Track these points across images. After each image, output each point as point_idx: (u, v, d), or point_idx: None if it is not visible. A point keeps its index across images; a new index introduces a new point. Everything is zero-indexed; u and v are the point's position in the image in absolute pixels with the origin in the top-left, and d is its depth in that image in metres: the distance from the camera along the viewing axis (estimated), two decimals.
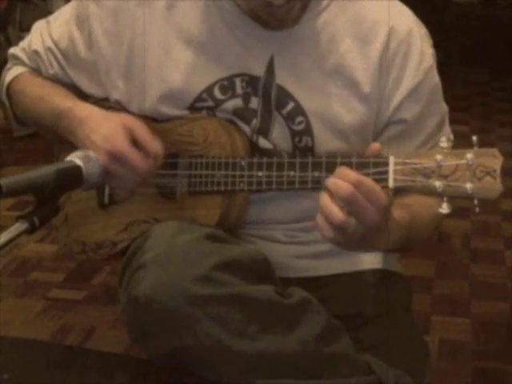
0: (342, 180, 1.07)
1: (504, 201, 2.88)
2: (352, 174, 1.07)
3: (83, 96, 1.44)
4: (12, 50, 1.53)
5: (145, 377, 1.48)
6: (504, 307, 2.24)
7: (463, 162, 1.07)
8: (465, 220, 2.76)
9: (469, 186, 1.06)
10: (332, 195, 1.08)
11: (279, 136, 1.33)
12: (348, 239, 1.10)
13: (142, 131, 1.30)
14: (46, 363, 1.61)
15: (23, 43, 1.52)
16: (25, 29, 3.55)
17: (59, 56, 1.45)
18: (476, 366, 1.98)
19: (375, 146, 1.13)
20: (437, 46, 1.38)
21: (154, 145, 1.29)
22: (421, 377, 1.31)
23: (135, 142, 1.29)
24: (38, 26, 1.49)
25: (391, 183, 1.10)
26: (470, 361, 2.00)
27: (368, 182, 1.08)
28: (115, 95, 1.40)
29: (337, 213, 1.07)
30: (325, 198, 1.09)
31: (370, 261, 1.40)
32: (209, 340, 1.16)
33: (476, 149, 1.07)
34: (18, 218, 1.07)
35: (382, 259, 1.41)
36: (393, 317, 1.35)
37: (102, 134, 1.28)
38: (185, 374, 1.24)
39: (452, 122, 1.40)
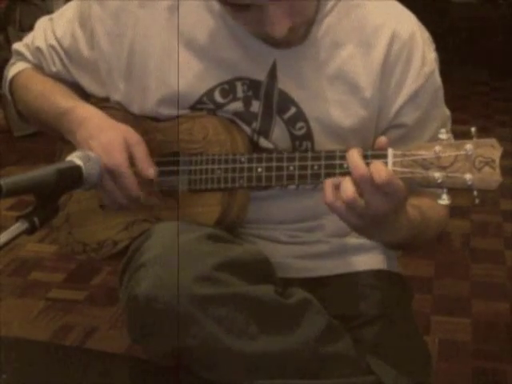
0: (375, 174, 1.07)
1: (504, 201, 2.89)
2: (383, 173, 1.07)
3: (85, 95, 1.44)
4: (16, 46, 1.52)
5: (145, 377, 1.48)
6: (504, 307, 2.24)
7: (462, 152, 1.07)
8: (465, 220, 2.77)
9: (468, 176, 1.06)
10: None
11: (279, 139, 1.32)
12: (355, 219, 1.11)
13: (141, 151, 1.29)
14: (46, 363, 1.61)
15: (27, 39, 1.51)
16: (24, 29, 3.55)
17: (62, 54, 1.45)
18: (476, 366, 1.98)
19: (382, 140, 1.13)
20: (437, 46, 1.38)
21: (149, 169, 1.28)
22: (421, 377, 1.31)
23: (131, 161, 1.28)
24: (42, 23, 1.49)
25: None
26: (470, 361, 2.00)
27: (394, 179, 1.08)
28: (116, 96, 1.39)
29: (350, 189, 1.08)
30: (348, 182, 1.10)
31: (370, 261, 1.40)
32: (209, 340, 1.15)
33: (475, 139, 1.07)
34: (18, 218, 1.07)
35: (383, 260, 1.41)
36: (393, 317, 1.35)
37: (101, 142, 1.27)
38: (185, 374, 1.24)
39: (452, 122, 1.40)
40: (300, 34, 1.25)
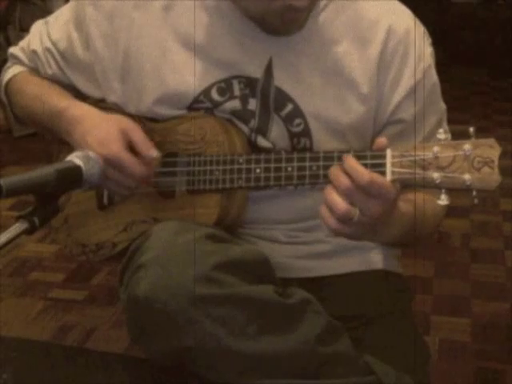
0: (354, 178, 1.07)
1: (504, 201, 2.89)
2: (364, 175, 1.07)
3: (81, 97, 1.44)
4: (11, 50, 1.53)
5: (145, 377, 1.48)
6: (504, 307, 2.24)
7: (460, 153, 1.07)
8: (465, 220, 2.77)
9: (467, 176, 1.06)
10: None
11: (277, 137, 1.33)
12: (352, 230, 1.11)
13: (138, 135, 1.30)
14: (46, 363, 1.61)
15: (22, 43, 1.52)
16: (24, 29, 3.56)
17: (57, 57, 1.45)
18: (476, 366, 1.98)
19: (381, 141, 1.13)
20: (437, 46, 1.38)
21: (150, 150, 1.29)
22: (421, 377, 1.31)
23: (131, 146, 1.29)
24: (37, 26, 1.50)
25: (389, 176, 1.10)
26: (470, 361, 2.00)
27: (376, 178, 1.07)
28: (112, 97, 1.39)
29: (340, 203, 1.08)
30: (329, 189, 1.10)
31: (370, 261, 1.40)
32: (209, 340, 1.15)
33: (473, 139, 1.07)
34: (18, 218, 1.07)
35: (383, 260, 1.41)
36: (393, 317, 1.35)
37: (97, 137, 1.28)
38: (185, 374, 1.24)
39: (452, 121, 1.40)
40: (304, 17, 1.25)
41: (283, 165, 1.23)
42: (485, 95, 4.25)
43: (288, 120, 1.31)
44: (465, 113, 3.78)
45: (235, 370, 1.18)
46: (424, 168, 1.08)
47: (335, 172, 1.10)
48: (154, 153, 1.29)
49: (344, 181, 1.08)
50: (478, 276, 2.42)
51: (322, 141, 1.31)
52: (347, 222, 1.09)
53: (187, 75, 1.32)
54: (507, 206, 2.86)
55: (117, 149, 1.27)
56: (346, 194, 1.08)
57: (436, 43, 1.37)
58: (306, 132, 1.31)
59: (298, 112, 1.31)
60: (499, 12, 5.03)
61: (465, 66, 4.62)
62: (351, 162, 1.09)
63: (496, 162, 1.06)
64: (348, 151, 1.16)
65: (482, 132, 1.07)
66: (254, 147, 1.33)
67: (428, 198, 1.27)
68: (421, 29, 1.34)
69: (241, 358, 1.17)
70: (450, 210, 1.38)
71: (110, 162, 1.26)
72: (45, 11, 3.45)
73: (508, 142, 3.02)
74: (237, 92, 1.32)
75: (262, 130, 1.33)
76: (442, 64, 1.38)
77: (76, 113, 1.35)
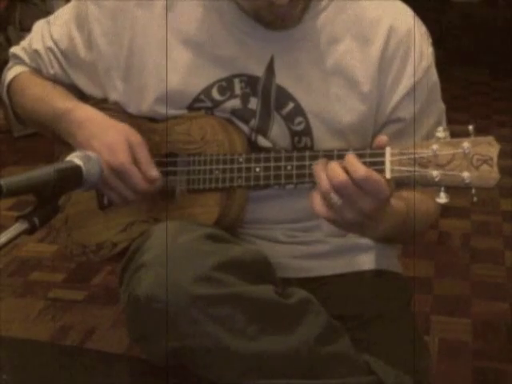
0: (351, 172, 1.07)
1: (504, 201, 2.88)
2: (360, 170, 1.07)
3: (83, 96, 1.44)
4: (13, 50, 1.53)
5: (145, 377, 1.48)
6: (504, 307, 2.25)
7: (460, 150, 1.07)
8: (465, 220, 2.76)
9: (466, 174, 1.06)
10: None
11: (278, 136, 1.33)
12: (336, 217, 1.10)
13: (144, 153, 1.29)
14: (46, 363, 1.61)
15: (24, 43, 1.52)
16: (25, 29, 3.56)
17: (59, 56, 1.45)
18: (476, 366, 1.98)
19: (381, 139, 1.13)
20: (437, 45, 1.38)
21: (153, 171, 1.28)
22: (421, 377, 1.31)
23: (135, 159, 1.28)
24: (39, 26, 1.50)
25: (388, 174, 1.10)
26: (470, 361, 2.00)
27: (372, 175, 1.08)
28: (114, 96, 1.39)
29: (324, 181, 1.08)
30: (318, 168, 1.10)
31: (369, 261, 1.40)
32: (209, 340, 1.15)
33: (472, 137, 1.07)
34: (18, 218, 1.07)
35: (382, 259, 1.41)
36: (392, 317, 1.35)
37: (103, 141, 1.28)
38: (185, 374, 1.24)
39: (452, 122, 1.40)
40: (297, 12, 1.26)
41: (283, 163, 1.23)
42: (485, 95, 4.25)
43: (289, 119, 1.31)
44: (465, 113, 3.79)
45: (235, 370, 1.18)
46: (423, 166, 1.08)
47: (333, 166, 1.10)
48: (155, 174, 1.29)
49: (340, 174, 1.08)
50: (478, 276, 2.42)
51: (323, 140, 1.31)
52: (331, 206, 1.09)
53: (188, 74, 1.32)
54: (507, 206, 2.85)
55: (124, 159, 1.27)
56: (339, 188, 1.08)
57: (436, 43, 1.37)
58: (307, 131, 1.31)
59: (299, 111, 1.31)
60: (499, 12, 5.03)
61: (465, 65, 4.62)
62: (350, 157, 1.09)
63: (495, 160, 1.06)
64: (347, 150, 1.16)
65: (481, 132, 1.07)
66: (254, 146, 1.33)
67: (421, 197, 1.27)
68: (422, 28, 1.35)
69: (241, 358, 1.17)
70: (450, 210, 1.38)
71: (114, 170, 1.26)
72: (45, 11, 3.45)
73: (508, 142, 3.02)
74: (238, 91, 1.32)
75: (263, 129, 1.33)
76: (442, 64, 1.38)
77: (80, 115, 1.34)
